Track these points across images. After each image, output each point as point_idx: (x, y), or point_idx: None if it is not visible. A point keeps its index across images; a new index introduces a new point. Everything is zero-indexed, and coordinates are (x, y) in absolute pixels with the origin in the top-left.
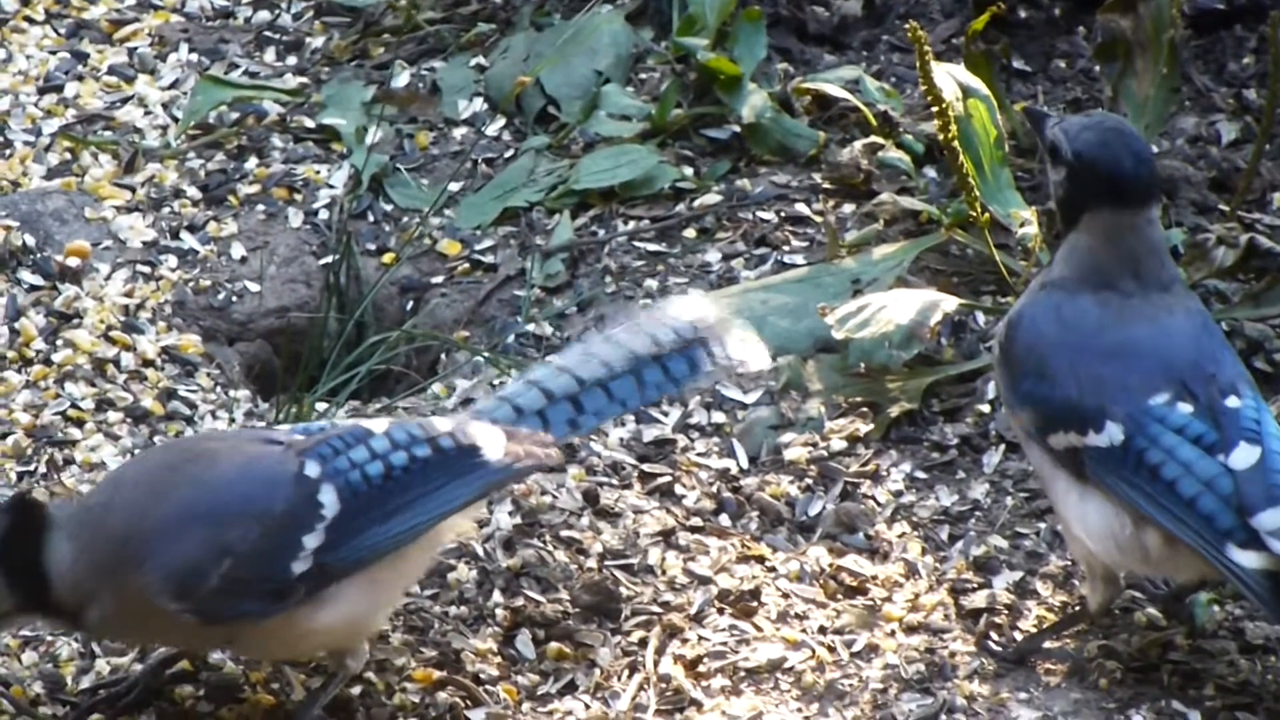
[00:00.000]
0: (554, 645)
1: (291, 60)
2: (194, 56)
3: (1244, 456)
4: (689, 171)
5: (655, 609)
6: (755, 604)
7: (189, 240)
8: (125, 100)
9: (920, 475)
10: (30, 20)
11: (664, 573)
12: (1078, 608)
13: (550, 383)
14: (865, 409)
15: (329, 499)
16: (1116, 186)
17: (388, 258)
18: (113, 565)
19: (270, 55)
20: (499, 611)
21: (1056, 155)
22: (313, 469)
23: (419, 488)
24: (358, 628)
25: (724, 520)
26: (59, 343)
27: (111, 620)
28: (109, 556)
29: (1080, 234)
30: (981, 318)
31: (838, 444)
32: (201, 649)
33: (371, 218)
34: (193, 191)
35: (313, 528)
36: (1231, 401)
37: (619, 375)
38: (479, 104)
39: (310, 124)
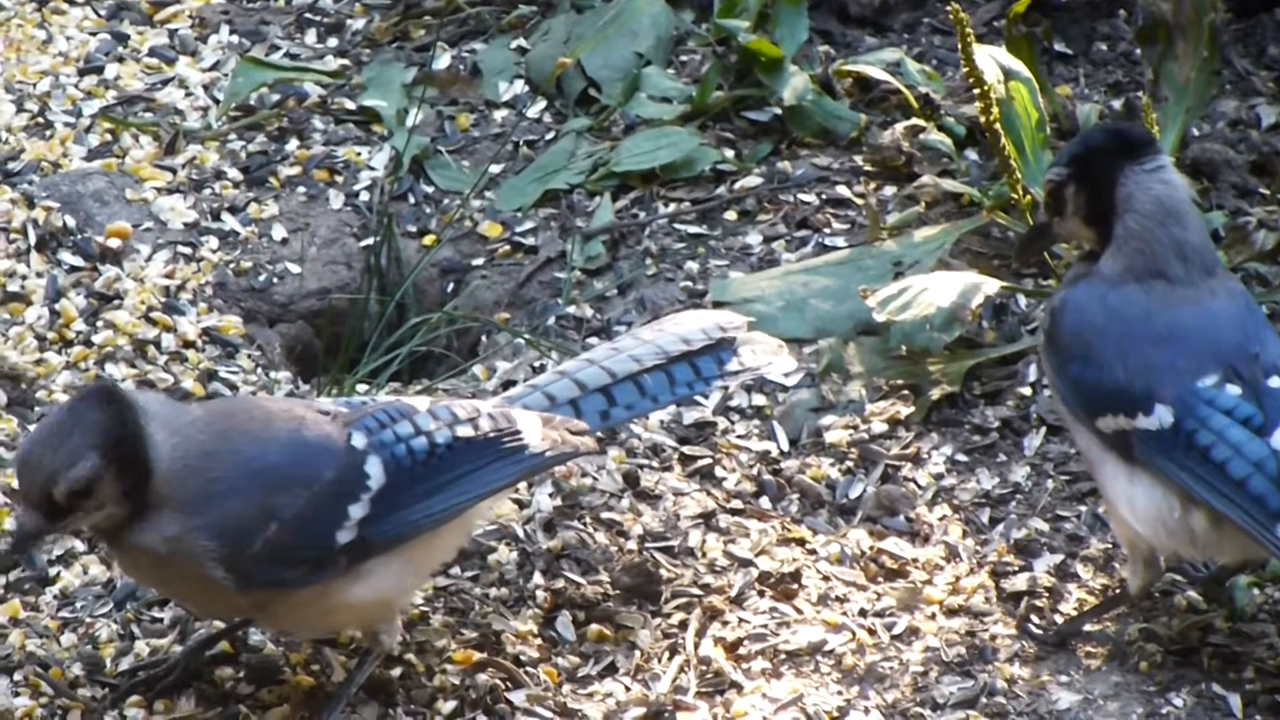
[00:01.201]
0: (594, 627)
1: (332, 42)
2: (235, 38)
3: None
4: (730, 154)
5: (695, 591)
6: (796, 586)
7: (230, 222)
8: (166, 82)
9: (961, 458)
10: (71, 2)
11: (704, 555)
12: (1118, 590)
13: (582, 374)
14: (906, 391)
15: (375, 470)
16: (1123, 141)
17: (428, 239)
18: (181, 505)
19: (311, 37)
20: (539, 593)
21: (1058, 194)
22: (359, 440)
23: (461, 467)
24: (387, 606)
25: (764, 503)
26: (99, 324)
27: (157, 549)
28: (182, 497)
29: (1126, 218)
30: (1023, 300)
31: (878, 426)
32: (224, 614)
33: (412, 199)
34: (234, 173)
35: (358, 498)
36: (1274, 382)
37: (650, 370)
38: (520, 86)
39: (351, 106)
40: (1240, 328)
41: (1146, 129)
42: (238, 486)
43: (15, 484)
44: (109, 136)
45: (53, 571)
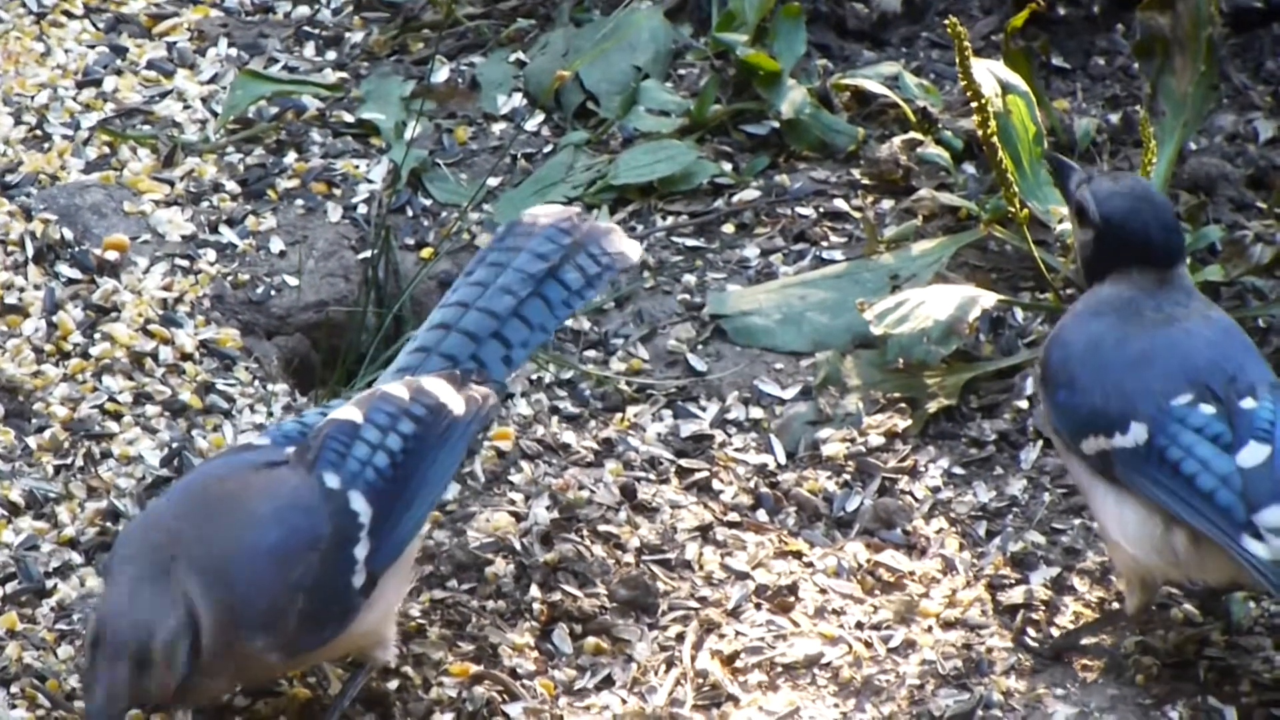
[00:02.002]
0: (591, 640)
1: (331, 55)
2: (233, 51)
3: (1252, 455)
4: (728, 167)
5: (692, 604)
6: (792, 599)
7: (227, 234)
8: (164, 95)
9: (958, 471)
10: (69, 14)
11: (701, 568)
12: (1115, 605)
13: (465, 322)
14: (903, 405)
15: (360, 505)
16: (1145, 253)
17: (426, 252)
18: (227, 623)
19: (309, 50)
20: (536, 606)
21: (1084, 217)
22: (332, 480)
23: (421, 466)
24: (390, 618)
25: (761, 516)
26: (97, 336)
27: (228, 673)
28: (225, 614)
29: (1105, 285)
30: (1020, 314)
31: (875, 439)
32: (272, 679)
33: (410, 212)
34: (231, 186)
35: (358, 539)
36: (1247, 403)
37: (525, 300)
38: (518, 99)
39: (349, 119)
40: (1215, 350)
41: (1183, 240)
42: (257, 576)
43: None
44: (107, 149)
45: (49, 584)
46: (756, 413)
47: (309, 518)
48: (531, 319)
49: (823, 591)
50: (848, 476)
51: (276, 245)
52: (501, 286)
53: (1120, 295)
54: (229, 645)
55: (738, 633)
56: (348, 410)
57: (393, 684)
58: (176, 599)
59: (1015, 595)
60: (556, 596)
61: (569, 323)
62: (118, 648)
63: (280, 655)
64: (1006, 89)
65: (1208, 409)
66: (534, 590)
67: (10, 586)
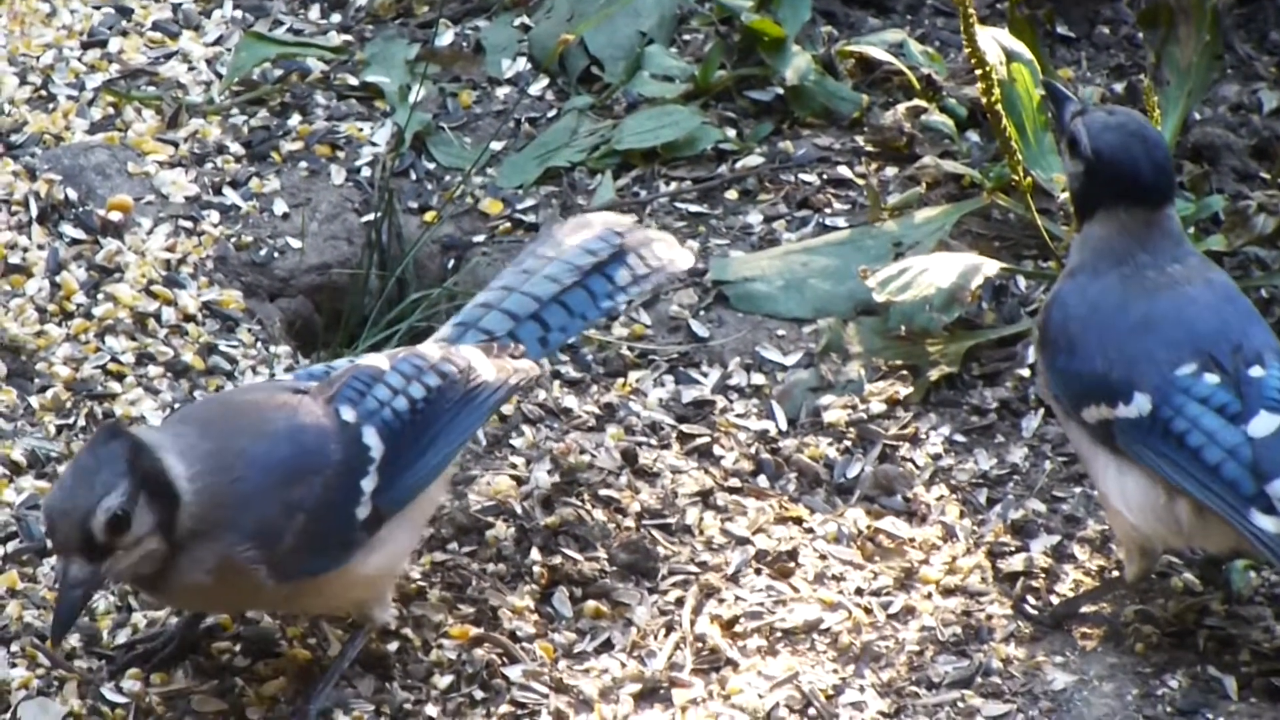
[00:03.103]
0: (591, 604)
1: (335, 18)
2: (238, 13)
3: (1263, 425)
4: (731, 133)
5: (692, 569)
6: (792, 565)
7: (231, 196)
8: (169, 56)
9: (959, 439)
10: None
11: (701, 533)
12: (1115, 574)
13: (508, 303)
14: (905, 372)
15: (373, 440)
16: (1134, 189)
17: (429, 216)
18: (214, 525)
19: (314, 12)
20: (536, 569)
21: (1076, 149)
22: (348, 413)
23: (441, 418)
24: (395, 571)
25: (762, 481)
26: (100, 297)
27: (207, 580)
28: (212, 516)
29: (1094, 226)
30: (1023, 282)
31: (877, 407)
32: (257, 609)
33: (414, 176)
34: (235, 148)
35: (367, 471)
36: (1255, 371)
37: (569, 288)
38: (522, 63)
39: (354, 81)
40: (1220, 317)
41: (1173, 180)
42: (259, 488)
43: (50, 539)
44: (112, 110)
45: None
46: (758, 379)
47: (319, 440)
48: (573, 306)
49: (823, 557)
50: (849, 443)
51: (280, 207)
52: (547, 275)
53: (1109, 240)
54: (214, 547)
55: (737, 598)
56: (376, 358)
57: (392, 646)
58: (120, 473)
59: (1015, 563)
60: (557, 560)
61: None
62: (62, 534)
63: (271, 575)
64: (1011, 57)
65: (1212, 378)
66: (534, 554)
67: (11, 545)
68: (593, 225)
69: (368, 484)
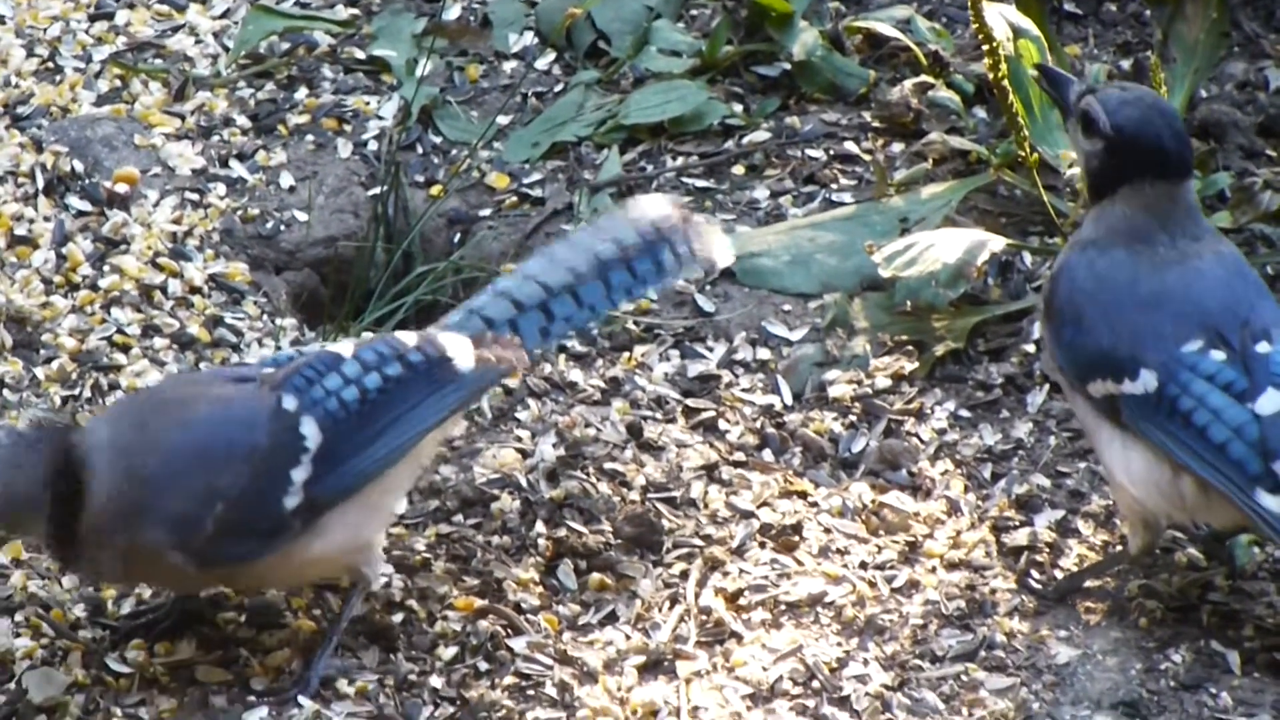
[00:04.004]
0: (595, 576)
1: None
2: None
3: (1270, 402)
4: (738, 108)
5: (697, 542)
6: (797, 538)
7: (238, 169)
8: (176, 29)
9: (964, 414)
10: None
11: (706, 506)
12: (1119, 548)
13: (518, 292)
14: (910, 347)
15: (310, 430)
16: (1160, 161)
17: (436, 190)
18: (125, 513)
19: None
20: (541, 542)
21: (1093, 128)
22: (290, 402)
23: (397, 408)
24: (356, 550)
25: (767, 455)
26: (106, 268)
27: (117, 564)
28: (125, 504)
29: (1115, 202)
30: (1029, 258)
31: (882, 381)
32: (199, 590)
33: (420, 150)
34: (242, 120)
35: (298, 461)
36: (1262, 347)
37: (586, 280)
38: (529, 37)
39: (361, 55)
40: (1228, 292)
41: (1193, 152)
42: (175, 474)
43: None
44: (118, 82)
45: None
46: (764, 353)
47: (246, 430)
48: (584, 298)
49: (827, 531)
50: (854, 418)
51: (286, 180)
52: (566, 263)
53: (1131, 218)
54: (128, 530)
55: (742, 571)
56: (342, 345)
57: (397, 617)
58: (36, 457)
59: (1019, 537)
60: (562, 533)
61: None
62: None
63: (190, 561)
64: (1018, 33)
65: (1218, 355)
66: (539, 526)
67: None
68: (634, 213)
69: (299, 474)
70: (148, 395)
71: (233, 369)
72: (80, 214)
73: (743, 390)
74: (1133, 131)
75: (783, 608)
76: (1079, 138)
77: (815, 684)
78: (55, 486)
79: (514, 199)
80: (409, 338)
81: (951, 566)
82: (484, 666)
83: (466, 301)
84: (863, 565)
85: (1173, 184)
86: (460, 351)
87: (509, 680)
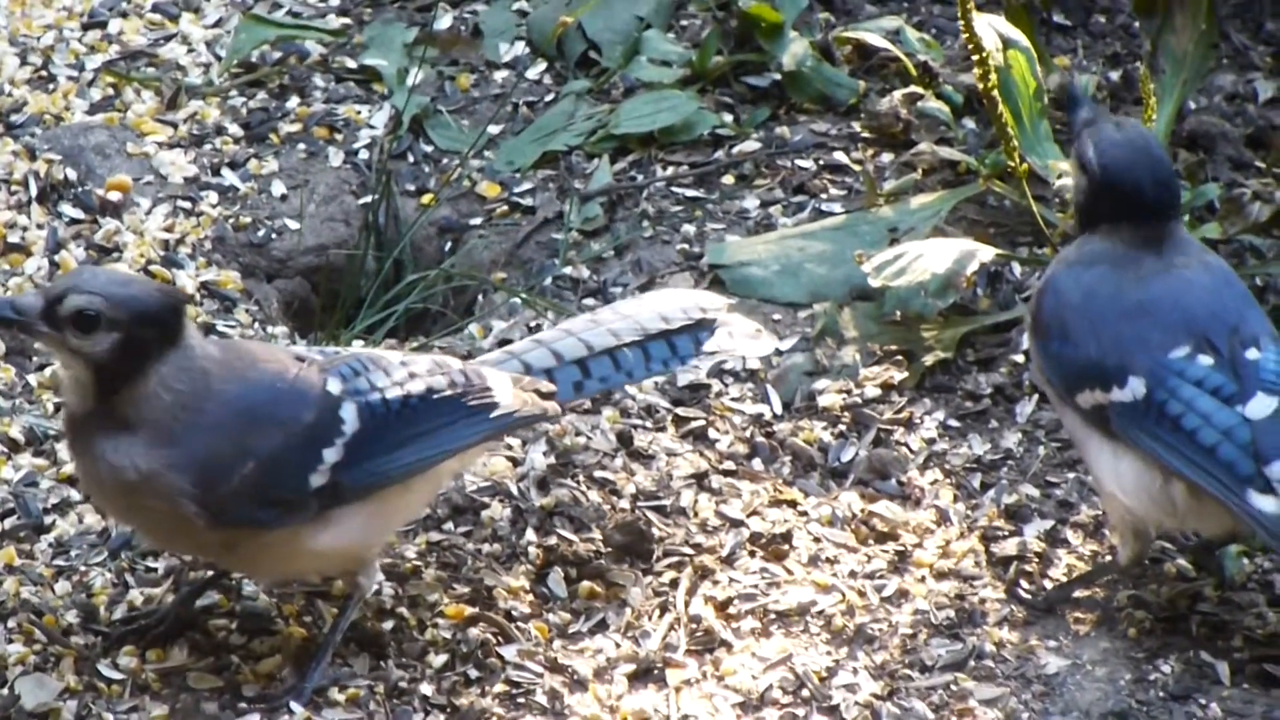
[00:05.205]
0: (586, 584)
1: (334, 1)
2: None
3: (1260, 406)
4: (728, 118)
5: (687, 550)
6: (786, 547)
7: (230, 177)
8: (169, 38)
9: (953, 424)
10: None
11: (696, 515)
12: (1108, 558)
13: (559, 344)
14: (900, 357)
15: (350, 415)
16: (1137, 207)
17: (427, 198)
18: (158, 440)
19: None
20: (532, 550)
21: (1083, 163)
22: (335, 385)
23: (432, 421)
24: (353, 555)
25: (757, 464)
26: None
27: (127, 475)
28: (163, 430)
29: (1095, 238)
30: (1018, 268)
31: (872, 391)
32: (188, 550)
33: (411, 158)
34: (234, 129)
35: (332, 442)
36: (1252, 354)
37: (627, 345)
38: (520, 47)
39: (352, 64)
40: (1216, 300)
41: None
42: (218, 424)
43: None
44: (111, 90)
45: (48, 520)
46: (753, 363)
47: (296, 400)
48: (622, 362)
49: (816, 540)
50: (843, 427)
51: (278, 189)
52: (610, 326)
53: (1112, 250)
54: (152, 454)
55: (731, 579)
56: (392, 353)
57: (388, 624)
58: (135, 299)
59: (1009, 547)
60: (552, 541)
61: (568, 270)
62: (49, 288)
63: (203, 514)
64: (1008, 44)
65: (1206, 360)
66: (530, 534)
67: (9, 522)
68: (685, 299)
69: (331, 454)
70: (226, 344)
71: (290, 348)
72: (73, 221)
73: (732, 399)
74: (1115, 173)
75: (772, 616)
76: (1073, 169)
77: (805, 693)
78: (135, 320)
79: (505, 208)
80: (454, 361)
81: (941, 576)
82: (474, 674)
83: (507, 346)
84: (852, 574)
85: (1153, 227)
86: (500, 386)
87: (499, 688)
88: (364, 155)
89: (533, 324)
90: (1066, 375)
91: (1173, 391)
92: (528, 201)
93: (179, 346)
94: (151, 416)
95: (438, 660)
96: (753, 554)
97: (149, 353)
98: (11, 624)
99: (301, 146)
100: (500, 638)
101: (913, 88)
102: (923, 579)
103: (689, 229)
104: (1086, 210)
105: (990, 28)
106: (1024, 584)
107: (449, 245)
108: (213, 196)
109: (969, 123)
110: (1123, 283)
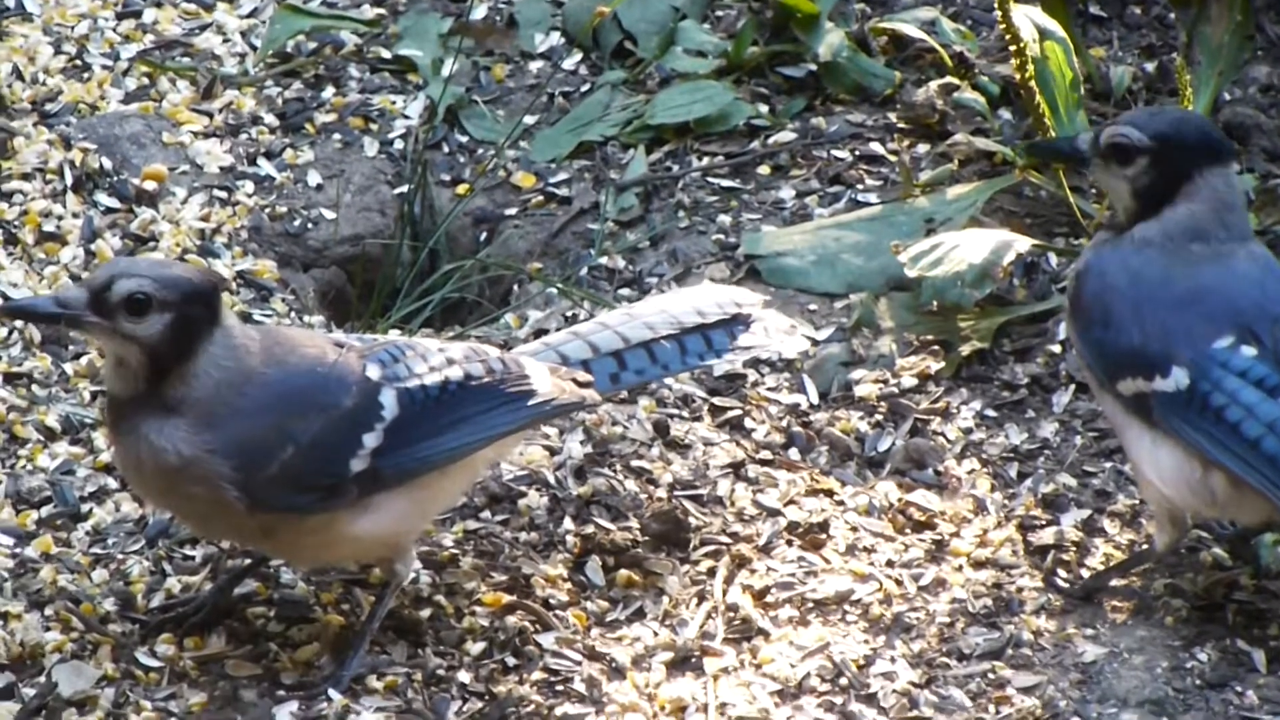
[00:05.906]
0: (623, 573)
1: None
2: None
3: None
4: (764, 109)
5: (724, 539)
6: (824, 536)
7: (266, 167)
8: (204, 28)
9: (990, 413)
10: None
11: (733, 504)
12: (1145, 546)
13: (595, 337)
14: (936, 347)
15: (389, 401)
16: (1213, 151)
17: (462, 189)
18: (201, 424)
19: None
20: (569, 538)
21: (1129, 151)
22: (374, 371)
23: (471, 408)
24: (391, 542)
25: (793, 454)
26: None
27: (169, 459)
28: (205, 414)
29: (1179, 205)
30: (1054, 259)
31: (908, 381)
32: (226, 535)
33: (446, 149)
34: (270, 119)
35: (373, 427)
36: None
37: (664, 338)
38: (556, 37)
39: (387, 55)
40: (1260, 290)
41: (1228, 137)
42: (260, 408)
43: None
44: (146, 80)
45: (85, 508)
46: (790, 353)
47: (336, 385)
48: (658, 355)
49: (854, 529)
50: (880, 417)
51: (314, 179)
52: (646, 320)
53: (1196, 215)
54: (194, 438)
55: (769, 568)
56: (431, 341)
57: (425, 612)
58: (181, 284)
59: (1046, 536)
60: (589, 529)
61: (603, 260)
62: (95, 274)
63: (241, 496)
64: (1044, 35)
65: (1249, 351)
66: (567, 523)
67: (46, 510)
68: (720, 294)
69: (371, 439)
70: (266, 330)
71: (330, 334)
72: (109, 211)
73: (769, 389)
74: (1175, 131)
75: (810, 605)
76: (1113, 171)
77: (843, 681)
78: (183, 300)
79: (540, 198)
80: (492, 349)
81: (978, 565)
82: (512, 662)
83: (543, 338)
84: (889, 563)
85: (1227, 166)
86: (538, 374)
87: (537, 675)
88: (399, 145)
89: (569, 314)
90: (1107, 362)
91: (1217, 383)
92: (563, 192)
93: (223, 326)
94: (197, 397)
95: (475, 648)
96: (790, 543)
97: (199, 332)
98: (49, 612)
99: (337, 136)
100: (538, 625)
101: (948, 78)
102: (960, 568)
103: (724, 219)
104: (1150, 192)
105: (1027, 18)
106: (1061, 573)
107: (484, 235)
108: (249, 186)
109: (1005, 113)
110: (1170, 268)
